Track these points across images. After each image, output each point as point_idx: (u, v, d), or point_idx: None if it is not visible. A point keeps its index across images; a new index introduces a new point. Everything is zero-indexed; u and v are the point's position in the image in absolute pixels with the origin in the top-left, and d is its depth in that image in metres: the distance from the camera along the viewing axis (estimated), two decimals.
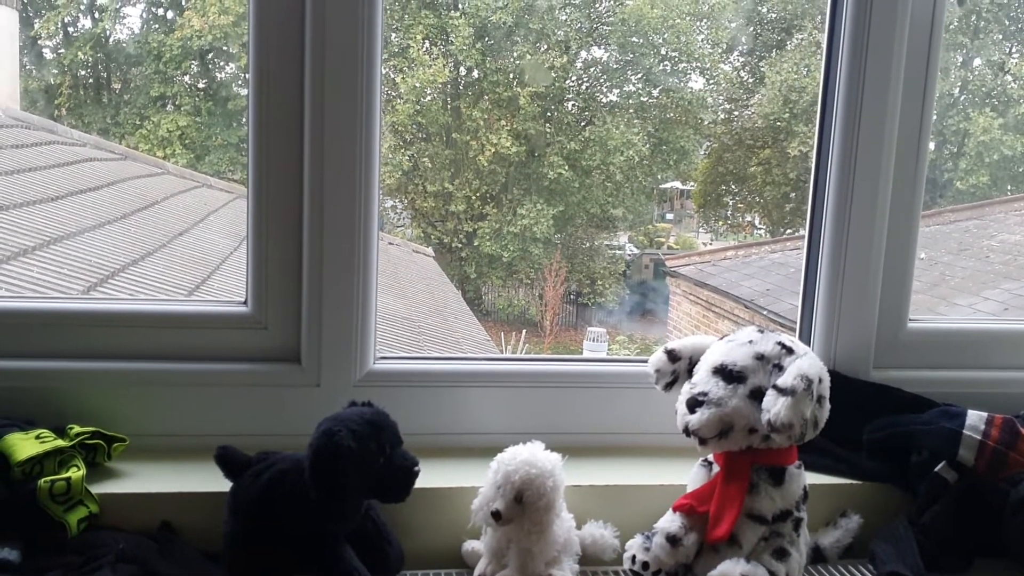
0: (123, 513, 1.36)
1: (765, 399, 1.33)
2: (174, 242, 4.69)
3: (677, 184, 11.58)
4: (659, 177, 11.16)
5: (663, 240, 11.57)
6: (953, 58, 9.38)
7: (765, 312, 6.34)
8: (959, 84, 9.58)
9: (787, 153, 10.18)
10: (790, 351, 1.39)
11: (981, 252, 6.54)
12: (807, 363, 1.35)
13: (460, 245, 10.18)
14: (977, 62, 9.73)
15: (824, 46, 1.75)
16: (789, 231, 10.46)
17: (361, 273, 1.56)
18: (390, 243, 8.00)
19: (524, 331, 9.66)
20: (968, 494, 1.50)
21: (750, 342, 1.41)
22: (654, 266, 10.55)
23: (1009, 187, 8.97)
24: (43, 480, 1.29)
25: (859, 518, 1.54)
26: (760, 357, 1.38)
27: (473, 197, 10.09)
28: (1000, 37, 9.79)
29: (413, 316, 6.22)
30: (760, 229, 11.38)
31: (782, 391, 1.31)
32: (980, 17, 9.45)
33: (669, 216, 12.03)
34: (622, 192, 10.60)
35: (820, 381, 1.35)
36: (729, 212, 11.69)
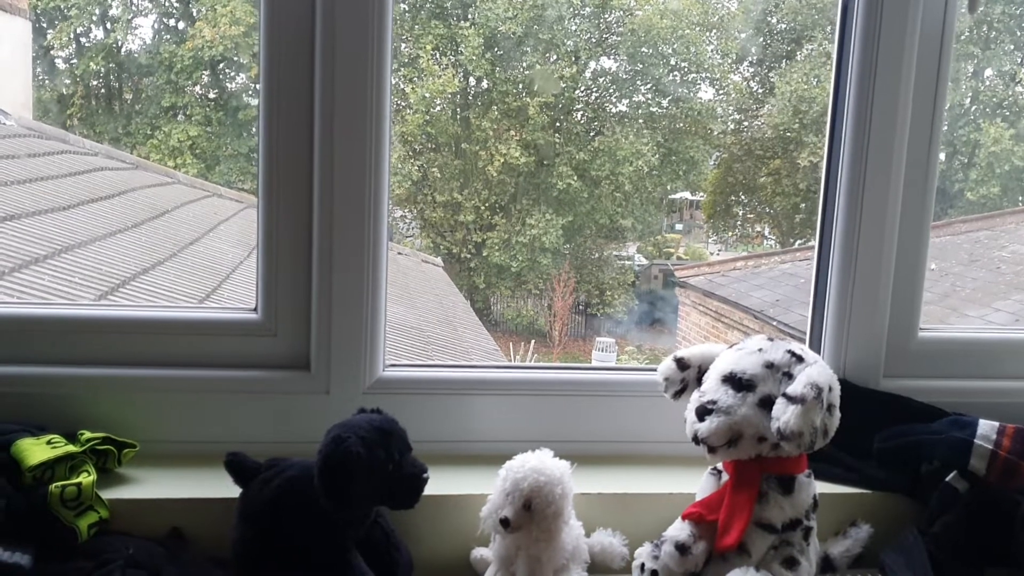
0: (133, 519, 1.37)
1: (775, 407, 1.32)
2: (185, 251, 4.71)
3: (687, 194, 11.57)
4: (668, 187, 11.15)
5: (672, 251, 11.55)
6: (964, 68, 9.36)
7: (775, 323, 6.33)
8: (970, 94, 9.55)
9: (797, 164, 10.16)
10: (800, 359, 1.39)
11: (992, 263, 6.52)
12: (817, 371, 1.35)
13: (469, 255, 10.19)
14: (988, 72, 9.71)
15: (834, 56, 1.75)
16: (799, 242, 10.44)
17: (370, 281, 1.56)
18: (399, 253, 8.01)
19: (533, 341, 9.65)
20: (979, 504, 1.49)
21: (760, 350, 1.41)
22: (663, 277, 10.54)
23: (1020, 198, 8.93)
24: (54, 485, 1.29)
25: (869, 528, 1.54)
26: (770, 365, 1.38)
27: (482, 207, 10.11)
28: (1011, 47, 9.77)
29: (422, 326, 6.22)
30: (770, 240, 11.35)
31: (792, 399, 1.31)
32: (991, 27, 9.43)
33: (678, 227, 12.02)
34: (631, 202, 10.59)
35: (830, 389, 1.35)
36: (739, 223, 11.66)
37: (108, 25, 8.04)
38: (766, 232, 11.49)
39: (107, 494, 1.37)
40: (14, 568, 1.24)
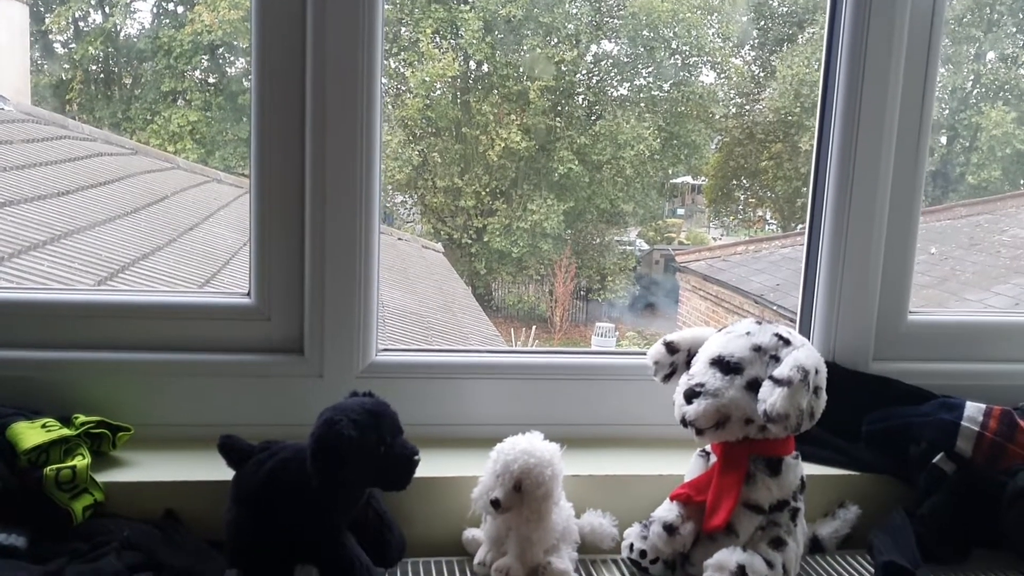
0: (128, 501, 1.38)
1: (761, 390, 1.34)
2: (184, 237, 4.71)
3: (688, 179, 11.55)
4: (670, 172, 11.13)
5: (673, 235, 11.53)
6: (966, 51, 9.33)
7: (775, 307, 6.32)
8: (972, 78, 9.52)
9: (798, 147, 10.15)
10: (787, 342, 1.40)
11: (992, 247, 6.51)
12: (804, 354, 1.36)
13: (470, 241, 10.18)
14: (990, 55, 9.67)
15: (825, 39, 1.75)
16: (800, 226, 10.40)
17: (363, 265, 1.57)
18: (399, 239, 8.00)
19: (534, 327, 9.66)
20: (966, 485, 1.50)
21: (748, 333, 1.42)
22: (664, 261, 10.52)
23: (1021, 181, 8.91)
24: (49, 468, 1.31)
25: (857, 509, 1.56)
26: (757, 348, 1.39)
27: (483, 192, 10.09)
28: (1014, 30, 9.72)
29: (422, 311, 6.22)
30: (771, 224, 11.34)
31: (778, 382, 1.32)
32: (993, 10, 9.38)
33: (680, 211, 12.00)
34: (632, 187, 10.57)
35: (816, 372, 1.36)
36: (740, 207, 11.65)
37: (106, 9, 8.02)
38: (768, 216, 11.47)
39: (102, 477, 1.38)
40: (10, 550, 1.25)
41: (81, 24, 7.98)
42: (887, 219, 1.71)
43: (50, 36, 7.71)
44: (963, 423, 1.51)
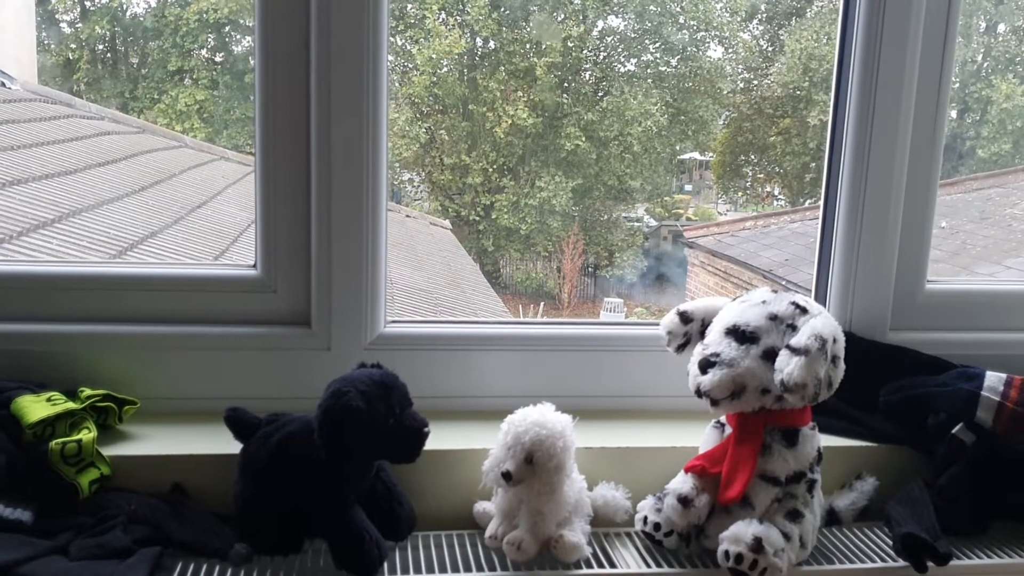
0: (134, 475, 1.37)
1: (778, 359, 1.31)
2: (192, 215, 4.70)
3: (696, 155, 11.49)
4: (677, 148, 11.07)
5: (681, 211, 11.49)
6: (976, 24, 9.22)
7: (783, 282, 6.29)
8: (982, 50, 9.42)
9: (807, 123, 10.08)
10: (804, 311, 1.37)
11: (1003, 220, 6.46)
12: (821, 323, 1.33)
13: (477, 218, 10.15)
14: (1001, 28, 9.56)
15: (840, 10, 1.71)
16: (809, 201, 10.36)
17: (370, 236, 1.55)
18: (407, 216, 7.98)
19: (542, 304, 9.65)
20: (986, 456, 1.48)
21: (763, 302, 1.39)
22: (672, 237, 10.48)
23: None
24: (54, 442, 1.29)
25: (875, 480, 1.53)
26: (773, 317, 1.37)
27: (490, 169, 10.06)
28: None
29: (430, 288, 6.21)
30: (780, 200, 11.28)
31: (795, 351, 1.29)
32: None
33: (688, 187, 11.94)
34: (640, 163, 10.52)
35: (834, 341, 1.33)
36: (748, 183, 11.59)
37: None
38: (776, 192, 11.42)
39: (108, 451, 1.37)
40: (16, 524, 1.24)
41: (87, 3, 7.95)
42: (905, 188, 1.68)
43: (57, 16, 7.68)
44: (983, 393, 1.48)
